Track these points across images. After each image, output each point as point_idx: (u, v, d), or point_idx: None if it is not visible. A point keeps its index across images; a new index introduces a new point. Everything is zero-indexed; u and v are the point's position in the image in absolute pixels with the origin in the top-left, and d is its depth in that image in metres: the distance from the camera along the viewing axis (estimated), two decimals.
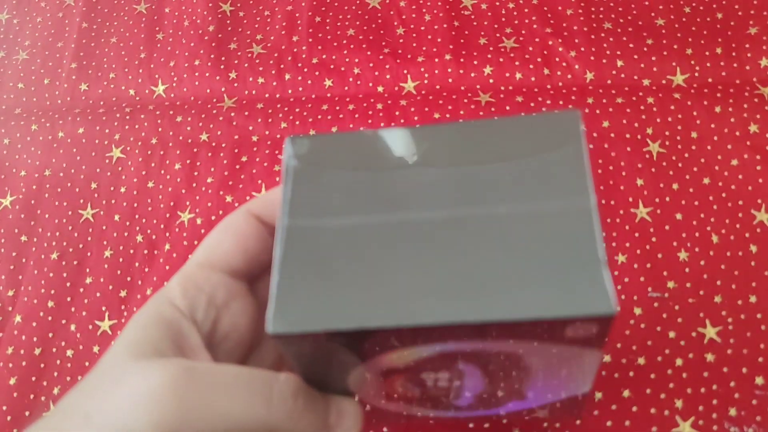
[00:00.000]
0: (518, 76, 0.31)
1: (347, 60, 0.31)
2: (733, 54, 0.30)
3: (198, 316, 0.16)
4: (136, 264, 0.28)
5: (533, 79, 0.30)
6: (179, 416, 0.13)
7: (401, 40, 0.32)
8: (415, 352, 0.14)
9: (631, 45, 0.31)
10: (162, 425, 0.13)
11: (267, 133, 0.30)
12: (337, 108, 0.30)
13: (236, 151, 0.30)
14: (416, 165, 0.15)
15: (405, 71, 0.31)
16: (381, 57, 0.31)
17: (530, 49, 0.31)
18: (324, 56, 0.31)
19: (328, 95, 0.31)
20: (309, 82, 0.31)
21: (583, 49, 0.31)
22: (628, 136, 0.29)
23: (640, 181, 0.28)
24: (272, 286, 0.13)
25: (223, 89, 0.31)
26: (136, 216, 0.29)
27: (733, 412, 0.24)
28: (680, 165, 0.28)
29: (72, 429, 0.13)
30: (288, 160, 0.15)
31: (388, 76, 0.31)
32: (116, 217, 0.29)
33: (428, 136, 0.15)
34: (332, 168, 0.15)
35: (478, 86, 0.30)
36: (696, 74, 0.30)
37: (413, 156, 0.15)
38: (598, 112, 0.30)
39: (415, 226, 0.14)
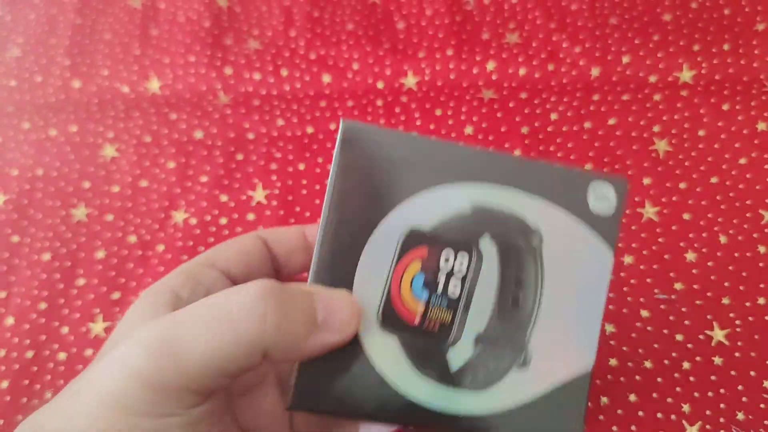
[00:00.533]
0: (522, 72, 0.30)
1: (346, 56, 0.31)
2: (741, 51, 0.30)
3: None
4: (130, 265, 0.27)
5: (537, 75, 0.30)
6: (154, 361, 0.13)
7: (401, 36, 0.31)
8: (447, 198, 0.15)
9: (637, 41, 0.30)
10: (142, 375, 0.13)
11: (263, 130, 0.30)
12: (336, 105, 0.30)
13: (232, 149, 0.29)
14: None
15: (405, 67, 0.30)
16: (381, 52, 0.31)
17: (534, 44, 0.30)
18: (322, 52, 0.31)
19: (327, 92, 0.30)
20: (307, 78, 0.31)
21: (588, 45, 0.30)
22: (634, 134, 0.28)
23: (646, 180, 0.28)
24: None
25: (218, 86, 0.30)
26: (130, 216, 0.28)
27: (741, 416, 0.23)
28: (687, 164, 0.28)
29: (63, 404, 0.13)
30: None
31: (388, 72, 0.30)
32: (109, 217, 0.28)
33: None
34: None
35: (480, 82, 0.30)
36: (703, 71, 0.29)
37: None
38: (603, 109, 0.29)
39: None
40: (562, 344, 0.15)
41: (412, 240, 0.15)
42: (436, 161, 0.15)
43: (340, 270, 0.15)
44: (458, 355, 0.15)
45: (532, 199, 0.15)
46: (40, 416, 0.14)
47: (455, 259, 0.15)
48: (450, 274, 0.15)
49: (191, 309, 0.14)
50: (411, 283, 0.15)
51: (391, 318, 0.15)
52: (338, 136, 0.15)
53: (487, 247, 0.15)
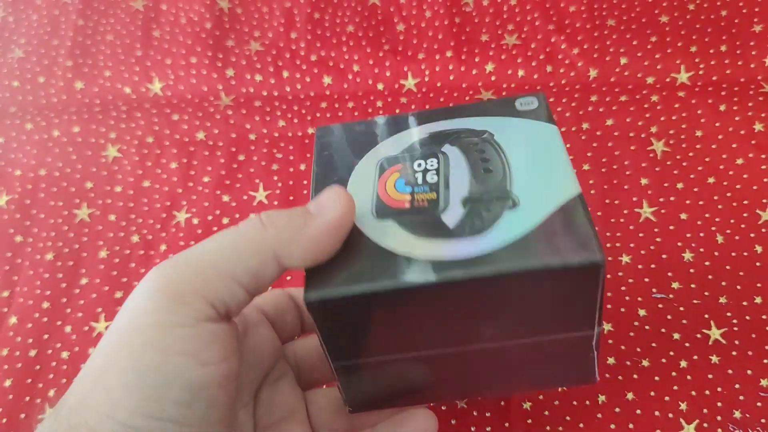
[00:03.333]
0: (521, 73, 0.30)
1: (346, 57, 0.31)
2: (738, 52, 0.30)
3: None
4: (132, 265, 0.28)
5: (536, 76, 0.30)
6: (173, 269, 0.14)
7: (401, 37, 0.31)
8: (406, 137, 0.19)
9: (634, 42, 0.30)
10: (158, 287, 0.14)
11: (265, 131, 0.30)
12: (336, 106, 0.30)
13: (233, 149, 0.30)
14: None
15: (405, 68, 0.31)
16: (381, 54, 0.31)
17: (533, 46, 0.31)
18: (323, 53, 0.31)
19: (327, 93, 0.30)
20: (308, 79, 0.31)
21: (586, 46, 0.30)
22: (632, 134, 0.29)
23: (644, 181, 0.28)
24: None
25: (220, 87, 0.31)
26: (132, 216, 0.28)
27: (737, 414, 0.24)
28: (685, 164, 0.28)
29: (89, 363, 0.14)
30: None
31: (388, 74, 0.31)
32: (112, 217, 0.28)
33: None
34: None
35: (479, 84, 0.30)
36: (700, 72, 0.30)
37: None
38: (601, 110, 0.29)
39: None
40: (543, 184, 0.17)
41: (387, 163, 0.18)
42: (393, 124, 0.20)
43: None
44: (451, 216, 0.16)
45: (474, 119, 0.19)
46: None
47: (426, 164, 0.18)
48: (425, 172, 0.18)
49: (206, 239, 0.15)
50: (395, 185, 0.18)
51: (384, 209, 0.17)
52: (315, 138, 0.20)
53: (449, 149, 0.18)
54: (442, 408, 0.25)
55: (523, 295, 0.15)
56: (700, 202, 0.27)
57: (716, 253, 0.26)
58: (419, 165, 0.18)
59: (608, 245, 0.27)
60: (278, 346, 0.20)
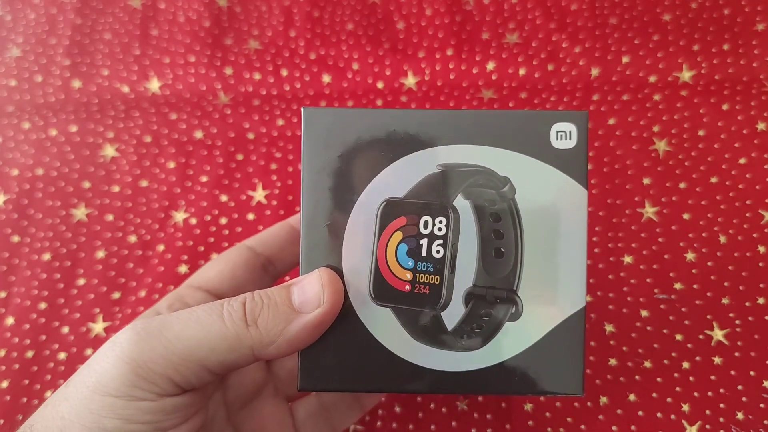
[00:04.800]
0: (522, 72, 0.30)
1: (346, 56, 0.31)
2: (741, 51, 0.30)
3: None
4: (130, 265, 0.27)
5: (537, 75, 0.30)
6: (139, 345, 0.14)
7: (401, 35, 0.31)
8: (415, 164, 0.16)
9: (636, 41, 0.30)
10: (124, 357, 0.14)
11: (263, 130, 0.30)
12: (336, 104, 0.30)
13: (232, 149, 0.29)
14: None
15: (405, 67, 0.30)
16: (381, 52, 0.31)
17: (534, 44, 0.30)
18: (322, 52, 0.31)
19: (327, 91, 0.30)
20: (307, 78, 0.31)
21: (588, 45, 0.30)
22: (634, 134, 0.28)
23: (646, 180, 0.28)
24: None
25: (218, 86, 0.30)
26: (130, 216, 0.28)
27: (740, 416, 0.23)
28: (687, 164, 0.28)
29: (55, 397, 0.14)
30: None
31: (388, 72, 0.30)
32: (109, 217, 0.28)
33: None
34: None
35: (480, 82, 0.30)
36: (703, 71, 0.29)
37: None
38: (603, 109, 0.29)
39: None
40: (551, 288, 0.15)
41: (389, 211, 0.16)
42: (399, 131, 0.16)
43: (326, 254, 0.16)
44: (451, 315, 0.16)
45: (496, 151, 0.16)
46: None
47: (434, 225, 0.16)
48: (432, 238, 0.16)
49: (186, 309, 0.15)
50: (396, 253, 0.16)
51: (382, 290, 0.16)
52: (302, 124, 0.16)
53: (462, 204, 0.16)
54: (443, 410, 0.24)
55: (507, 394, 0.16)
56: (703, 202, 0.27)
57: (719, 254, 0.26)
58: (425, 224, 0.16)
59: (610, 245, 0.27)
60: (260, 363, 0.20)
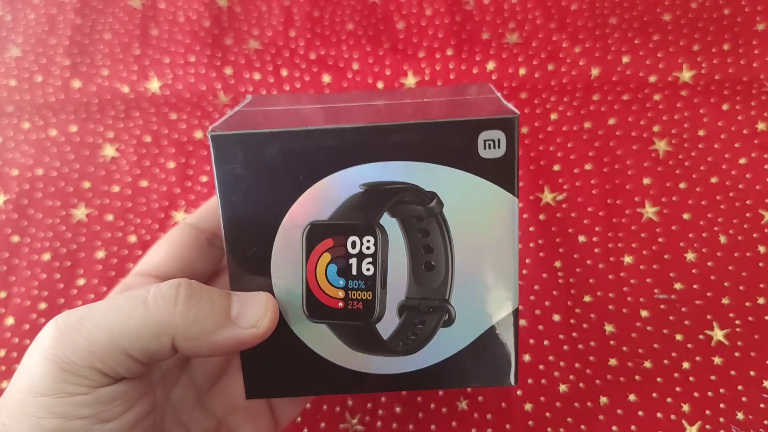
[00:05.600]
0: (522, 72, 0.30)
1: (346, 56, 0.31)
2: (741, 51, 0.30)
3: None
4: (130, 265, 0.27)
5: (537, 75, 0.30)
6: (60, 340, 0.13)
7: (401, 35, 0.31)
8: (337, 185, 0.15)
9: (637, 41, 0.30)
10: (47, 354, 0.13)
11: None
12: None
13: None
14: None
15: (405, 67, 0.30)
16: (381, 52, 0.31)
17: (534, 44, 0.30)
18: (322, 52, 0.31)
19: (327, 91, 0.30)
20: (307, 78, 0.31)
21: (588, 44, 0.30)
22: (634, 134, 0.28)
23: (646, 180, 0.28)
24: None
25: (218, 86, 0.30)
26: (130, 216, 0.28)
27: (740, 416, 0.23)
28: (687, 164, 0.28)
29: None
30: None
31: (388, 72, 0.30)
32: (109, 217, 0.28)
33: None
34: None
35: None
36: (703, 71, 0.29)
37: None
38: (603, 109, 0.29)
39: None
40: (483, 295, 0.16)
41: (315, 234, 0.15)
42: (317, 152, 0.15)
43: (254, 279, 0.16)
44: (385, 326, 0.16)
45: (421, 165, 0.15)
46: None
47: (362, 244, 0.15)
48: (361, 257, 0.15)
49: (110, 297, 0.15)
50: (326, 273, 0.16)
51: (316, 308, 0.16)
52: (211, 151, 0.15)
53: (389, 221, 0.15)
54: (443, 410, 0.24)
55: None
56: (703, 202, 0.27)
57: (719, 254, 0.26)
58: (353, 245, 0.15)
59: (610, 245, 0.27)
60: None
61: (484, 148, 0.15)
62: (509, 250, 0.15)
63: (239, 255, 0.16)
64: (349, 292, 0.16)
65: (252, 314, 0.15)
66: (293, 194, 0.15)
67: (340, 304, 0.16)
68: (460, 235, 0.15)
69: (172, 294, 0.14)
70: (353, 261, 0.15)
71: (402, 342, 0.16)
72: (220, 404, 0.19)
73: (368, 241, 0.15)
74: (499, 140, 0.15)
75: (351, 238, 0.15)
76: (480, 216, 0.15)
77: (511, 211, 0.15)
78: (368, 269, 0.15)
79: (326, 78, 0.31)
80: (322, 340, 0.16)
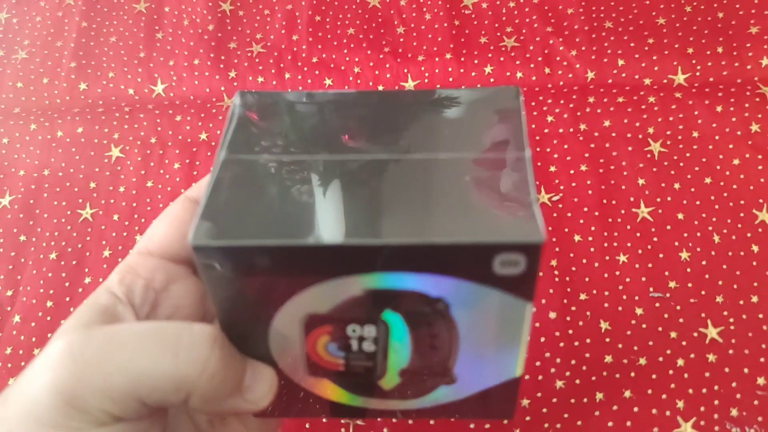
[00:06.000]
0: (519, 75, 0.30)
1: (347, 59, 0.31)
2: (735, 53, 0.30)
3: (135, 300, 0.16)
4: None
5: (534, 78, 0.30)
6: (75, 374, 0.13)
7: (401, 39, 0.32)
8: (337, 288, 0.13)
9: (632, 44, 0.31)
10: (58, 386, 0.13)
11: None
12: None
13: None
14: (358, 123, 0.15)
15: (405, 70, 0.31)
16: (381, 56, 0.31)
17: (531, 48, 0.31)
18: (324, 55, 0.31)
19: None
20: (309, 81, 0.31)
21: (584, 48, 0.31)
22: (629, 135, 0.29)
23: (641, 181, 0.28)
24: (200, 205, 0.13)
25: (222, 88, 0.31)
26: (135, 216, 0.29)
27: (734, 412, 0.24)
28: (682, 165, 0.28)
29: None
30: (234, 108, 0.16)
31: (388, 75, 0.31)
32: (115, 217, 0.29)
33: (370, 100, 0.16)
34: (274, 118, 0.16)
35: (479, 85, 0.30)
36: (697, 73, 0.30)
37: (355, 117, 0.15)
38: (599, 111, 0.30)
39: (353, 164, 0.14)
40: (488, 365, 0.15)
41: (313, 322, 0.14)
42: (315, 263, 0.13)
43: (254, 353, 0.15)
44: (388, 382, 0.16)
45: (433, 277, 0.13)
46: None
47: (362, 330, 0.14)
48: (361, 339, 0.15)
49: (134, 328, 0.13)
50: (326, 349, 0.15)
51: (317, 368, 0.16)
52: (196, 259, 0.13)
53: (390, 316, 0.14)
54: None
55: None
56: (697, 202, 0.27)
57: (713, 253, 0.26)
58: (354, 330, 0.14)
59: (605, 245, 0.27)
60: (201, 292, 0.18)
61: (501, 266, 0.13)
62: (524, 329, 0.14)
63: (237, 341, 0.15)
64: (350, 361, 0.15)
65: (259, 390, 0.15)
66: (288, 294, 0.14)
67: (341, 368, 0.15)
68: (467, 329, 0.14)
69: (205, 353, 0.13)
70: (354, 341, 0.15)
71: (402, 393, 0.16)
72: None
73: (369, 329, 0.15)
74: (518, 261, 0.13)
75: (351, 326, 0.14)
76: (488, 319, 0.14)
77: (523, 316, 0.14)
78: (369, 347, 0.15)
79: (328, 81, 0.31)
80: (323, 387, 0.16)
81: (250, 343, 0.15)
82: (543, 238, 0.12)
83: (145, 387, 0.13)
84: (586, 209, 0.28)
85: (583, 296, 0.26)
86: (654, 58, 0.30)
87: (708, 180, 0.28)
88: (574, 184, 0.28)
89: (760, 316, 0.25)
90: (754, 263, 0.26)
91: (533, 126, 0.30)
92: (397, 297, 0.14)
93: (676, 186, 0.28)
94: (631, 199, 0.28)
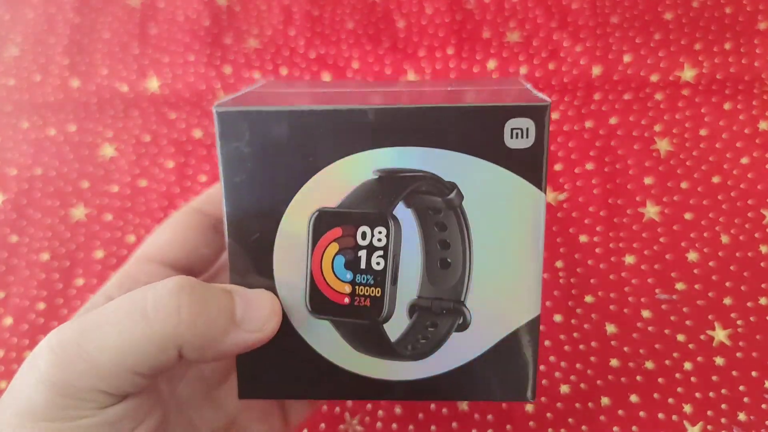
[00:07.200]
0: (523, 71, 0.30)
1: (346, 55, 0.31)
2: (742, 50, 0.29)
3: None
4: None
5: (538, 74, 0.30)
6: (58, 364, 0.13)
7: (402, 34, 0.31)
8: (351, 169, 0.14)
9: (638, 40, 0.30)
10: (46, 380, 0.13)
11: None
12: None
13: None
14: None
15: (406, 66, 0.30)
16: (381, 51, 0.31)
17: (535, 43, 0.30)
18: (322, 51, 0.31)
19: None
20: (307, 77, 0.30)
21: (589, 44, 0.30)
22: (635, 133, 0.28)
23: (648, 180, 0.27)
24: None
25: (218, 85, 0.30)
26: (129, 216, 0.28)
27: (742, 416, 0.23)
28: (689, 163, 0.28)
29: None
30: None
31: (388, 71, 0.30)
32: (108, 217, 0.28)
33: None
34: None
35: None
36: (704, 70, 0.29)
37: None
38: (604, 108, 0.29)
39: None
40: (502, 299, 0.14)
41: (323, 222, 0.14)
42: (330, 133, 0.14)
43: (256, 267, 0.15)
44: (394, 326, 0.15)
45: (442, 152, 0.14)
46: None
47: (373, 235, 0.14)
48: (371, 250, 0.14)
49: (105, 307, 0.13)
50: (332, 265, 0.14)
51: (320, 303, 0.15)
52: (216, 128, 0.14)
53: (403, 212, 0.14)
54: (443, 411, 0.24)
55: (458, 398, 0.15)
56: (705, 202, 0.27)
57: (721, 254, 0.26)
58: (364, 235, 0.14)
59: (611, 246, 0.26)
60: None
61: (511, 137, 0.14)
62: (533, 251, 0.14)
63: (241, 240, 0.14)
64: (357, 287, 0.14)
65: (257, 317, 0.14)
66: (301, 178, 0.14)
67: (346, 300, 0.14)
68: (480, 231, 0.14)
69: (173, 303, 0.13)
70: (362, 253, 0.14)
71: (411, 345, 0.15)
72: (233, 400, 0.18)
73: (380, 232, 0.14)
74: (527, 129, 0.14)
75: (361, 229, 0.14)
76: (503, 212, 0.14)
77: (537, 207, 0.14)
78: (378, 263, 0.14)
79: (326, 77, 0.30)
80: (325, 339, 0.15)
81: (254, 262, 0.14)
82: (549, 101, 0.14)
83: (129, 357, 0.13)
84: (591, 209, 0.27)
85: (588, 298, 0.26)
86: (660, 54, 0.30)
87: (716, 179, 0.27)
88: (579, 183, 0.28)
89: None
90: (763, 264, 0.26)
91: None
92: (410, 182, 0.14)
93: (683, 185, 0.27)
94: (638, 198, 0.27)
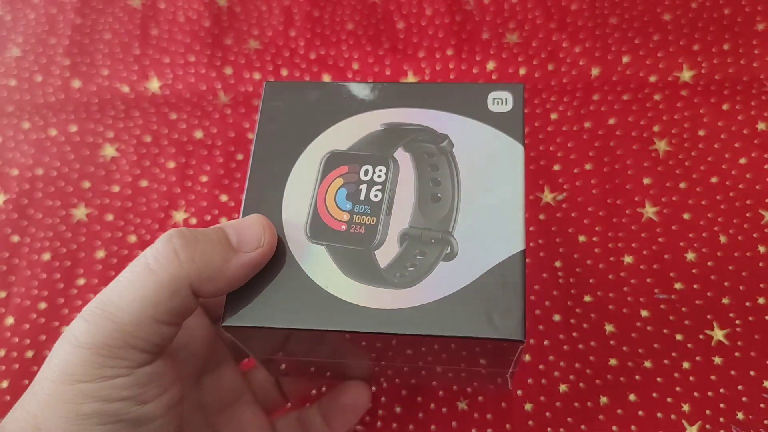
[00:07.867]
0: (522, 71, 0.30)
1: (346, 55, 0.31)
2: (741, 51, 0.30)
3: None
4: None
5: (537, 75, 0.30)
6: (89, 332, 0.14)
7: (401, 35, 0.31)
8: (361, 124, 0.18)
9: (637, 41, 0.30)
10: (82, 344, 0.14)
11: None
12: None
13: (232, 149, 0.29)
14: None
15: (405, 67, 0.30)
16: (381, 52, 0.31)
17: (534, 44, 0.30)
18: (322, 51, 0.31)
19: None
20: (307, 78, 0.31)
21: (588, 44, 0.30)
22: (634, 134, 0.28)
23: (646, 180, 0.28)
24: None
25: (218, 86, 0.30)
26: (130, 216, 0.28)
27: (740, 416, 0.23)
28: (687, 164, 0.28)
29: (23, 398, 0.14)
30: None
31: (388, 72, 0.30)
32: (109, 217, 0.28)
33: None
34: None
35: (481, 82, 0.30)
36: (703, 71, 0.29)
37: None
38: (603, 109, 0.29)
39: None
40: (487, 233, 0.16)
41: (333, 160, 0.17)
42: (347, 97, 0.18)
43: (267, 199, 0.17)
44: (385, 254, 0.16)
45: (436, 113, 0.17)
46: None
47: (374, 173, 0.17)
48: (371, 184, 0.16)
49: (117, 278, 0.15)
50: (335, 197, 0.17)
51: (318, 228, 0.16)
52: (263, 96, 0.18)
53: (402, 156, 0.17)
54: (443, 410, 0.24)
55: (445, 346, 0.16)
56: (703, 202, 0.27)
57: (719, 254, 0.26)
58: (366, 172, 0.17)
59: (610, 245, 0.27)
60: (211, 332, 0.20)
61: (493, 104, 0.17)
62: (515, 191, 0.16)
63: (261, 167, 0.17)
64: (354, 215, 0.16)
65: (251, 237, 0.15)
66: (322, 126, 0.17)
67: (343, 227, 0.16)
68: (467, 172, 0.16)
69: (169, 249, 0.14)
70: (363, 187, 0.16)
71: (399, 273, 0.15)
72: (230, 428, 0.19)
73: (380, 170, 0.17)
74: (506, 99, 0.17)
75: (365, 167, 0.17)
76: (486, 158, 0.17)
77: (518, 155, 0.16)
78: (376, 195, 0.16)
79: (326, 78, 0.31)
80: (319, 266, 0.16)
81: (267, 194, 0.17)
82: (523, 86, 0.17)
83: (149, 308, 0.14)
84: (590, 209, 0.27)
85: (587, 298, 0.26)
86: (659, 55, 0.30)
87: (714, 179, 0.27)
88: (578, 183, 0.28)
89: (767, 318, 0.25)
90: (761, 264, 0.26)
91: (536, 124, 0.29)
92: (409, 132, 0.17)
93: (682, 185, 0.27)
94: (636, 198, 0.27)
